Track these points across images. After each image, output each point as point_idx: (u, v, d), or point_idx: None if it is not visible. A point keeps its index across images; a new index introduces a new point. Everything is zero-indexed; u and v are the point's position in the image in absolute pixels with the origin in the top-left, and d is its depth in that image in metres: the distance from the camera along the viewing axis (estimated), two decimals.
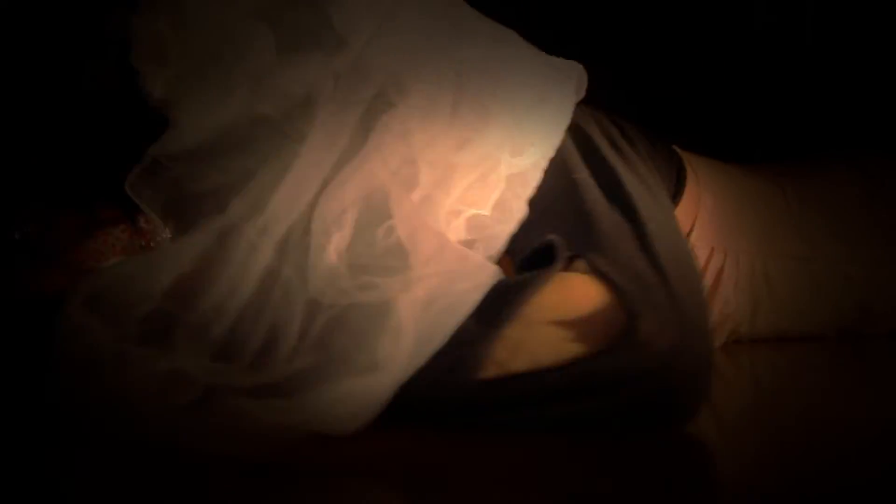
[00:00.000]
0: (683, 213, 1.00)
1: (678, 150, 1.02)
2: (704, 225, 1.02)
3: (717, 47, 1.17)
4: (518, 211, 0.74)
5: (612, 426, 0.69)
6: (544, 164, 0.75)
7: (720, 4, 1.17)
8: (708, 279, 1.03)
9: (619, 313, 0.70)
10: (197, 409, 0.66)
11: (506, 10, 0.76)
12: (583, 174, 0.79)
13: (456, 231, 0.74)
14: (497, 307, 0.70)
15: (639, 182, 0.82)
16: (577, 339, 0.70)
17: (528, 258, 0.75)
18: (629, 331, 0.68)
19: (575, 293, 0.72)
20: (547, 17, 1.05)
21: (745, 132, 1.16)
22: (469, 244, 0.74)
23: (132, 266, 0.72)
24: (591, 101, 0.74)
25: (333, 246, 0.70)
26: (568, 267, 0.73)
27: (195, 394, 0.67)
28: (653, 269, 0.73)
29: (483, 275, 0.70)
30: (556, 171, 0.76)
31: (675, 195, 0.99)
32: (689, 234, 1.00)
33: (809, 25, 1.16)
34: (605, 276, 0.72)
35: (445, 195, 0.73)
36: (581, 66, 0.77)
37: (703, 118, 1.15)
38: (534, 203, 0.74)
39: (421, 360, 0.66)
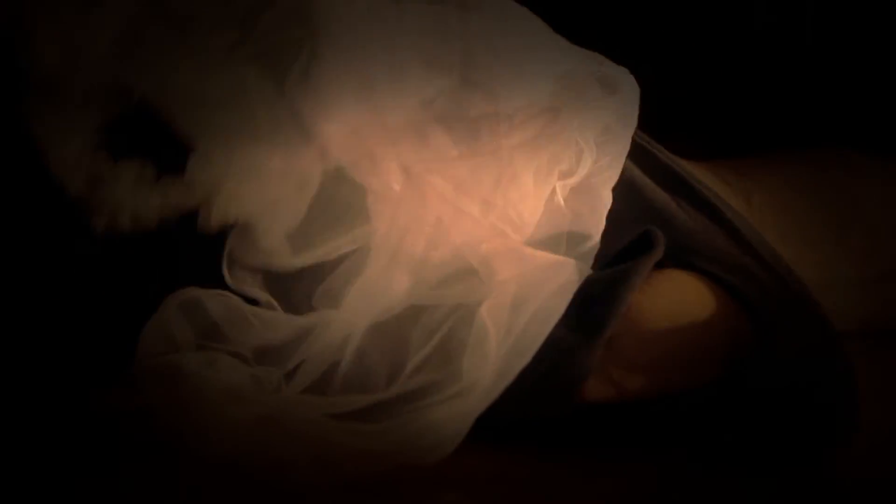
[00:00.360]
0: None
1: None
2: None
3: (717, 47, 1.16)
4: (597, 228, 0.66)
5: (753, 455, 0.63)
6: (615, 177, 0.68)
7: (720, 4, 1.16)
8: None
9: (743, 320, 0.64)
10: (273, 425, 0.63)
11: None
12: (636, 172, 0.74)
13: None
14: (592, 308, 0.63)
15: (691, 176, 0.77)
16: (701, 351, 0.64)
17: (611, 263, 0.68)
18: (766, 344, 0.62)
19: (687, 296, 0.66)
20: (545, 18, 1.05)
21: (745, 132, 1.16)
22: None
23: (237, 305, 0.69)
24: None
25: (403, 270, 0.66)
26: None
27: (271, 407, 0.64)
28: (763, 268, 0.66)
29: (566, 272, 0.63)
30: None
31: None
32: None
33: (809, 25, 1.15)
34: (717, 276, 0.65)
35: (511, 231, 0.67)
36: (631, 77, 0.70)
37: (703, 118, 1.15)
38: None
39: (511, 377, 0.60)
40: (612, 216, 0.68)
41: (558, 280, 0.62)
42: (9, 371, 0.74)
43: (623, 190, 0.71)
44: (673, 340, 0.64)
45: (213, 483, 0.63)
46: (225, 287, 0.71)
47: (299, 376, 0.65)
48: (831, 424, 0.62)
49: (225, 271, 0.70)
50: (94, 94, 0.66)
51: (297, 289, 0.70)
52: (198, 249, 0.71)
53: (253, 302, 0.71)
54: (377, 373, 0.64)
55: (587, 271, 0.64)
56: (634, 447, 0.66)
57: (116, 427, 0.69)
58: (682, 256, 0.68)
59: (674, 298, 0.66)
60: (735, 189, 0.97)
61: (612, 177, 0.69)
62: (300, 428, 0.61)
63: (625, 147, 0.70)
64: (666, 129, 0.97)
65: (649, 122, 0.94)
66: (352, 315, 0.66)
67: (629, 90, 0.71)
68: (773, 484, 0.64)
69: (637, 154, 0.77)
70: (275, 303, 0.71)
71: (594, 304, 0.63)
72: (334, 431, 0.60)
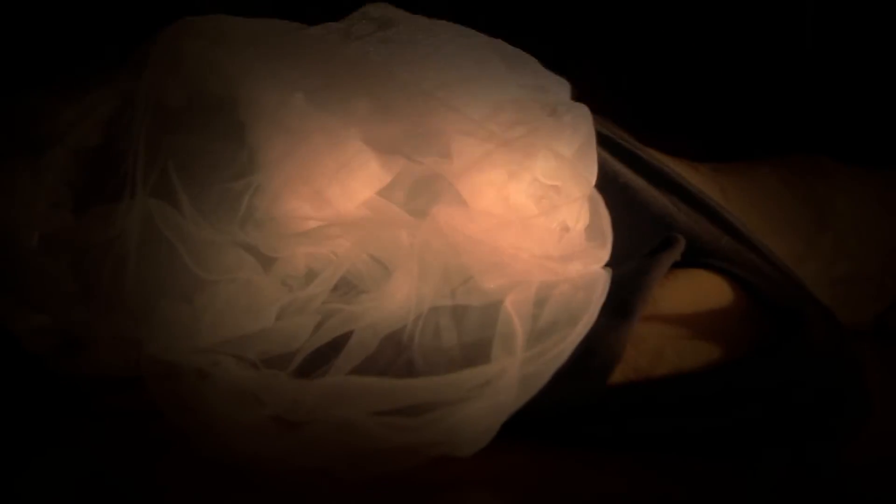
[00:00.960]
0: None
1: None
2: None
3: (716, 48, 1.17)
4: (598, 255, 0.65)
5: (771, 443, 0.63)
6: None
7: (720, 5, 1.17)
8: None
9: (760, 313, 0.65)
10: (299, 426, 0.61)
11: (499, 9, 0.76)
12: (628, 177, 0.74)
13: None
14: (619, 294, 0.63)
15: (679, 176, 0.77)
16: (725, 341, 0.64)
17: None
18: (793, 332, 0.63)
19: (706, 288, 0.67)
20: (542, 18, 1.05)
21: (744, 132, 1.16)
22: None
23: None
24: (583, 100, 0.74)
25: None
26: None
27: (283, 406, 0.62)
28: (768, 263, 0.68)
29: (601, 283, 0.63)
30: (599, 183, 0.69)
31: None
32: None
33: (809, 26, 1.15)
34: (732, 273, 0.67)
35: None
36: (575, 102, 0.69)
37: (702, 118, 1.16)
38: None
39: (538, 365, 0.60)
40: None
41: (585, 267, 0.63)
42: (10, 370, 0.74)
43: (620, 198, 0.72)
44: (696, 328, 0.65)
45: (213, 483, 0.63)
46: None
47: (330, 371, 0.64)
48: (852, 412, 0.64)
49: None
50: None
51: None
52: None
53: None
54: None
55: (608, 270, 0.65)
56: (639, 446, 0.66)
57: (119, 425, 0.69)
58: (694, 258, 0.69)
59: (693, 290, 0.67)
60: (710, 183, 0.96)
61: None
62: (333, 426, 0.59)
63: (594, 168, 0.69)
64: (666, 129, 0.97)
65: (649, 122, 0.94)
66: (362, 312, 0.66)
67: (577, 112, 0.70)
68: (773, 481, 0.64)
69: (626, 156, 0.77)
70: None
71: (621, 291, 0.63)
72: (371, 426, 0.59)
